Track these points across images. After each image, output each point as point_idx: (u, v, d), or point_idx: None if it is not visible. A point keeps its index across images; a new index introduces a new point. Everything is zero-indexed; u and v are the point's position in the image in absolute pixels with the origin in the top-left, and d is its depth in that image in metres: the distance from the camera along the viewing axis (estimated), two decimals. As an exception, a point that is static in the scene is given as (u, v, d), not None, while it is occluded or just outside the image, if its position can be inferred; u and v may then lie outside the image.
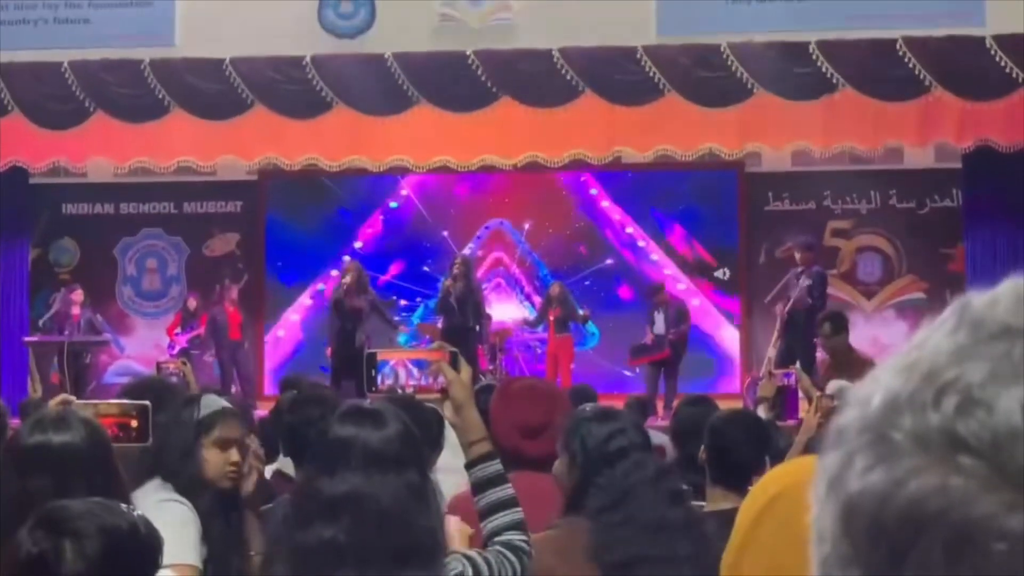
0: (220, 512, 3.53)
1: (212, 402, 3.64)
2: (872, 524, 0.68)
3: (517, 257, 16.18)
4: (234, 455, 3.52)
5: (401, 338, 15.16)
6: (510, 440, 3.84)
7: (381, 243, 16.37)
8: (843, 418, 0.73)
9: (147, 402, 3.38)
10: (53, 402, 3.21)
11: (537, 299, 15.74)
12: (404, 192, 16.30)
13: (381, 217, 16.40)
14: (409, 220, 16.40)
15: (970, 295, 0.77)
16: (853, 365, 9.46)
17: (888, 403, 0.71)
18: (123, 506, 2.17)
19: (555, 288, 14.93)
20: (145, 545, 2.13)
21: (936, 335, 0.73)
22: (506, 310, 15.57)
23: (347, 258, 14.72)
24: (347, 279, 13.86)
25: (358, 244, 16.27)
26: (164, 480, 3.46)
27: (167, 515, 3.38)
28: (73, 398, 3.33)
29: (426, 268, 16.18)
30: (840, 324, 10.49)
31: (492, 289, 15.79)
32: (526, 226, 16.12)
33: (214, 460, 3.48)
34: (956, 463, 0.67)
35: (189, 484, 3.45)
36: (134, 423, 3.23)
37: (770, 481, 3.66)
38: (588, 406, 3.73)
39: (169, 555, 3.28)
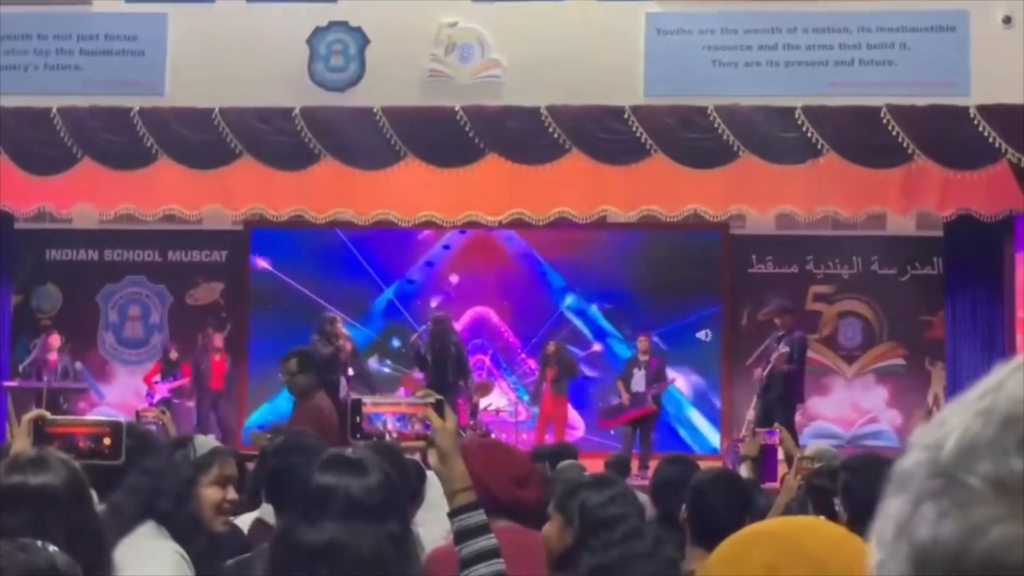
0: (216, 555, 3.54)
1: (205, 442, 3.69)
2: (948, 574, 0.66)
3: (500, 344, 16.23)
4: (231, 493, 3.57)
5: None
6: (506, 490, 3.86)
7: (364, 296, 16.39)
8: (907, 462, 0.71)
9: (121, 419, 3.37)
10: (27, 417, 3.18)
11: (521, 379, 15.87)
12: (392, 246, 16.36)
13: (365, 270, 16.43)
14: (392, 274, 16.44)
15: None
16: (308, 411, 8.57)
17: (964, 447, 0.68)
18: (39, 543, 2.17)
19: (551, 347, 14.99)
20: None
21: (1012, 380, 0.70)
22: (494, 399, 15.47)
23: (339, 320, 14.60)
24: (349, 345, 13.93)
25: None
26: (158, 524, 3.46)
27: (157, 567, 3.36)
28: (47, 413, 3.30)
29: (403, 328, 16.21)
30: (307, 361, 9.17)
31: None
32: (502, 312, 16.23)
33: (213, 498, 3.51)
34: None
35: (184, 527, 3.46)
36: (107, 440, 3.20)
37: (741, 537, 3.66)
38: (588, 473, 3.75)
39: None
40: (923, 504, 0.68)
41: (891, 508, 0.70)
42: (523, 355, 16.13)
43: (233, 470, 3.63)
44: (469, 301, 16.26)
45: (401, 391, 15.43)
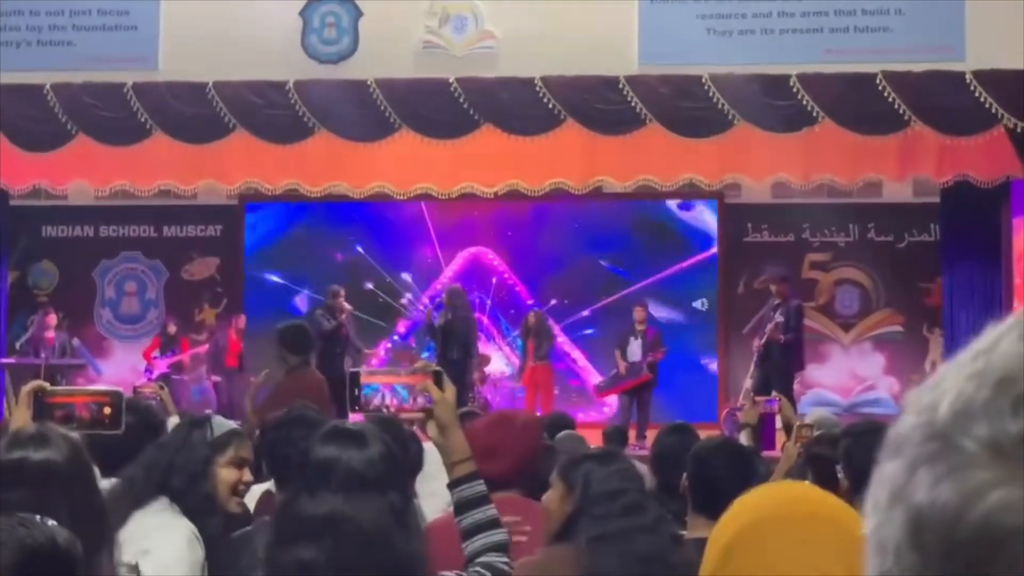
0: (227, 536, 3.54)
1: (222, 423, 3.70)
2: (945, 539, 0.65)
3: (495, 290, 16.12)
4: (247, 475, 3.58)
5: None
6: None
7: (361, 270, 16.34)
8: (902, 425, 0.70)
9: (121, 389, 3.36)
10: (26, 388, 3.17)
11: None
12: (386, 218, 16.31)
13: (361, 244, 16.39)
14: (390, 246, 16.40)
15: None
16: (291, 387, 7.98)
17: (959, 410, 0.67)
18: (39, 518, 2.16)
19: (532, 317, 14.93)
20: (63, 559, 2.12)
21: (1005, 340, 0.69)
22: (491, 367, 15.38)
23: (339, 288, 14.49)
24: (348, 307, 13.89)
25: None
26: (171, 500, 3.47)
27: (168, 540, 3.36)
28: (47, 384, 3.29)
29: (403, 299, 16.17)
30: (297, 336, 8.53)
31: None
32: (499, 257, 16.13)
33: (228, 479, 3.52)
34: None
35: (198, 505, 3.46)
36: (107, 409, 3.19)
37: (741, 509, 3.64)
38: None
39: None
40: (919, 468, 0.67)
41: (886, 473, 0.69)
42: (528, 300, 15.90)
43: (249, 452, 3.63)
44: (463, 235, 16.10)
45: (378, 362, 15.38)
